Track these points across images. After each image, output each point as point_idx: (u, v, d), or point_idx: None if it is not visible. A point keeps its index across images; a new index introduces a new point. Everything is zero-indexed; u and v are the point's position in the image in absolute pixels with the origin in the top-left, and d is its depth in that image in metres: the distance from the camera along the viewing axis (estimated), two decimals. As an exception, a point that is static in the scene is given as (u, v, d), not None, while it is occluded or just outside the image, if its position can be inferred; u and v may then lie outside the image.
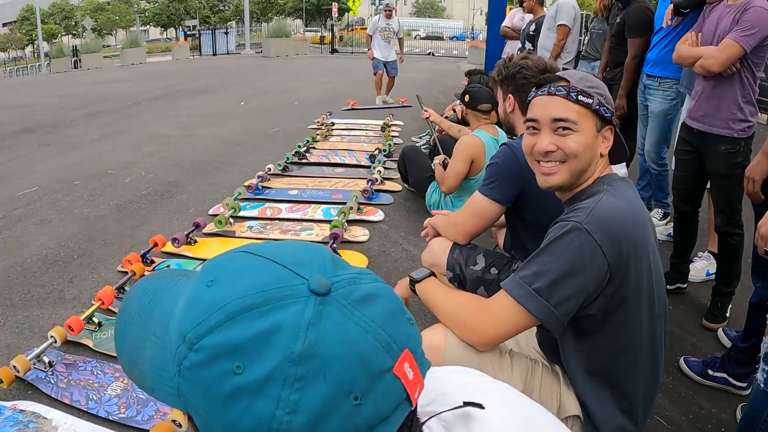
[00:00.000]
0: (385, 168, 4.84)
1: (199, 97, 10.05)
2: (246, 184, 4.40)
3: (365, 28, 30.76)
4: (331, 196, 4.27)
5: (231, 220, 3.71)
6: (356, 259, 3.27)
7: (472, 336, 1.37)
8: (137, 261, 3.03)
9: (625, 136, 4.13)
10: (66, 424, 1.94)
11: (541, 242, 1.30)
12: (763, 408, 1.67)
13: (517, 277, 1.29)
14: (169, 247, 3.31)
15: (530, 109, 1.41)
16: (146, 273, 2.92)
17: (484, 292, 1.90)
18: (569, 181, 1.39)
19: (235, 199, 3.93)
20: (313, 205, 4.08)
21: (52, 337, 2.29)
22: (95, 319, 2.49)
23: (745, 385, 2.31)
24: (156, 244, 3.24)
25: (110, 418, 1.98)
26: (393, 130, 6.63)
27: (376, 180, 4.47)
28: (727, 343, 2.59)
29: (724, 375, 2.33)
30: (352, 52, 24.91)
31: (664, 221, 3.81)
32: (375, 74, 8.96)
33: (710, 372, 2.36)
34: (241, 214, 3.89)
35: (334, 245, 3.26)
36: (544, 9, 5.74)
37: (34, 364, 2.20)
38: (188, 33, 35.57)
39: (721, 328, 2.70)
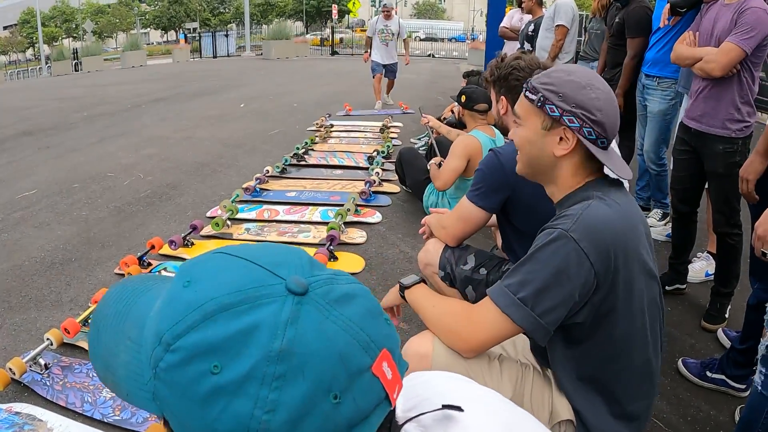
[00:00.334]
0: (383, 170, 4.84)
1: (198, 100, 10.06)
2: (244, 186, 4.39)
3: (365, 30, 30.89)
4: (329, 198, 4.26)
5: (228, 222, 3.70)
6: (353, 261, 3.27)
7: (457, 343, 1.36)
8: (134, 263, 3.02)
9: (624, 136, 4.18)
10: (61, 426, 1.94)
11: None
12: (760, 410, 1.67)
13: (503, 285, 1.28)
14: (166, 250, 3.31)
15: None
16: (143, 275, 2.92)
17: (473, 292, 1.90)
18: (526, 171, 1.42)
19: (232, 202, 3.93)
20: (310, 207, 4.08)
21: (48, 339, 2.29)
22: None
23: (743, 386, 2.30)
24: (153, 247, 3.24)
25: (105, 421, 1.98)
26: (392, 132, 6.63)
27: (374, 182, 4.47)
28: (727, 344, 2.58)
29: (723, 377, 2.32)
30: (352, 54, 24.92)
31: (663, 222, 3.80)
32: (374, 77, 8.69)
33: (708, 374, 2.35)
34: (239, 216, 3.88)
35: (331, 247, 3.25)
36: (543, 9, 5.74)
37: (30, 367, 2.21)
38: (188, 35, 35.65)
39: (720, 329, 2.69)
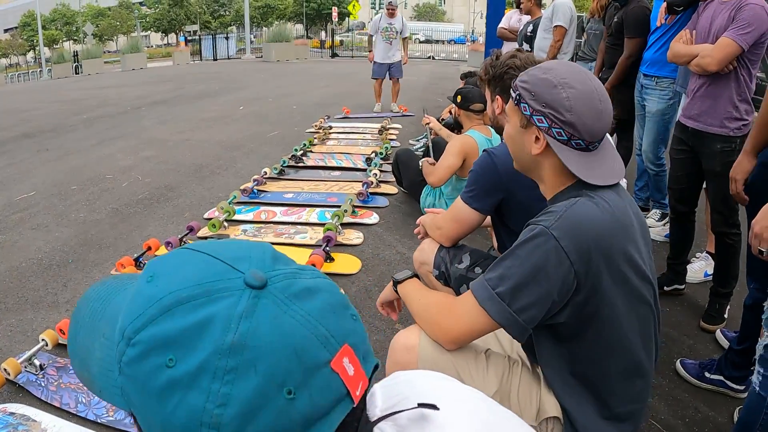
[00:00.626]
0: (381, 171, 4.83)
1: (198, 102, 10.07)
2: (241, 187, 4.39)
3: (363, 32, 30.67)
4: (327, 200, 4.26)
5: (225, 223, 3.70)
6: (350, 262, 3.26)
7: (438, 334, 1.36)
8: (130, 265, 3.02)
9: (623, 137, 4.17)
10: (55, 427, 1.93)
11: None
12: (758, 411, 1.66)
13: (484, 279, 1.27)
14: (163, 251, 3.30)
15: None
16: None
17: (467, 291, 1.89)
18: (517, 167, 1.44)
19: (230, 203, 3.93)
20: (308, 209, 4.08)
21: (43, 340, 2.29)
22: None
23: (742, 387, 2.28)
24: (150, 248, 3.24)
25: (99, 421, 1.98)
26: (390, 134, 6.63)
27: (372, 183, 4.46)
28: (726, 345, 2.57)
29: (721, 378, 2.30)
30: (352, 57, 24.94)
31: (662, 222, 3.78)
32: (374, 80, 8.52)
33: (707, 374, 2.33)
34: (236, 217, 3.88)
35: (327, 248, 3.25)
36: (541, 10, 5.74)
37: (25, 367, 2.21)
38: (189, 38, 35.71)
39: (719, 330, 2.67)
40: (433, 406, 0.60)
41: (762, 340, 1.65)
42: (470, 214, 1.87)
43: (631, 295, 1.26)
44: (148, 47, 43.18)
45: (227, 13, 53.00)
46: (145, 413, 0.49)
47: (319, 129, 6.73)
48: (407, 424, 0.61)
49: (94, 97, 11.32)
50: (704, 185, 2.83)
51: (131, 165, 5.55)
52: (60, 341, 2.35)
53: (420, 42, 41.06)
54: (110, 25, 51.54)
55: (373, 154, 5.34)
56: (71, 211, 4.26)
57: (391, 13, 8.40)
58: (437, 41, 38.76)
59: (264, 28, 45.95)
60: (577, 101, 1.24)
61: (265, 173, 4.78)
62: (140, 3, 56.83)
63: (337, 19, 39.26)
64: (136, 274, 0.70)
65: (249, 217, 3.94)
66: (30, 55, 51.69)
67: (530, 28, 5.70)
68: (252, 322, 0.47)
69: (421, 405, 0.60)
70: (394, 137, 6.51)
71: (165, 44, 57.00)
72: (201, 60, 26.10)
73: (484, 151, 1.89)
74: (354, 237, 3.60)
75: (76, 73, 21.43)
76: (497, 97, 1.99)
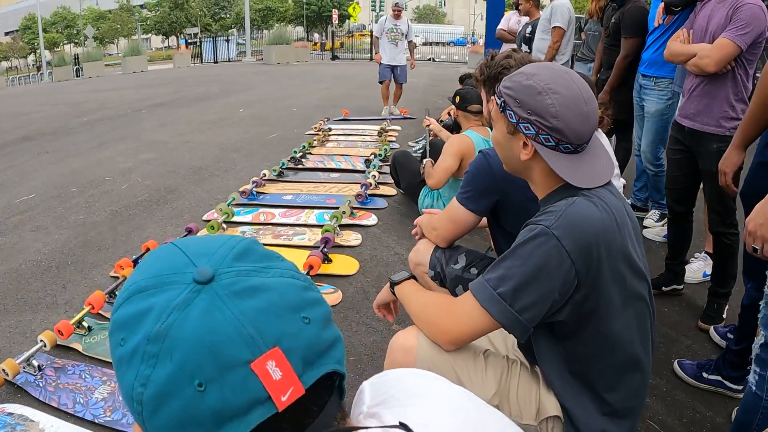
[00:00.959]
0: (380, 173, 4.84)
1: (198, 105, 10.08)
2: (240, 189, 4.40)
3: (364, 35, 30.57)
4: (325, 201, 4.27)
5: (224, 225, 3.70)
6: (347, 263, 3.27)
7: (437, 335, 1.35)
8: (129, 266, 3.03)
9: (621, 137, 4.17)
10: (53, 427, 1.94)
11: None
12: (755, 410, 1.65)
13: (484, 279, 1.26)
14: (162, 252, 3.30)
15: None
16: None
17: (463, 291, 1.89)
18: (508, 170, 1.44)
19: (228, 205, 3.93)
20: (306, 210, 4.08)
21: (41, 341, 2.30)
22: (85, 324, 2.50)
23: (740, 388, 2.27)
24: (148, 249, 3.24)
25: (96, 422, 1.98)
26: (390, 135, 6.63)
27: (371, 185, 4.47)
28: (719, 341, 2.57)
29: (719, 378, 2.30)
30: (352, 59, 24.96)
31: (661, 222, 3.78)
32: (381, 83, 8.31)
33: (705, 375, 2.33)
34: (235, 219, 3.89)
35: (325, 249, 3.25)
36: (540, 12, 5.74)
37: (24, 368, 2.22)
38: (189, 41, 35.75)
39: (712, 327, 2.67)
40: (409, 429, 0.60)
41: (758, 340, 1.65)
42: (465, 215, 1.86)
43: (627, 292, 1.27)
44: (155, 50, 43.24)
45: (228, 15, 53.03)
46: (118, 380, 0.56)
47: (318, 131, 6.74)
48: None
49: (95, 99, 11.34)
50: (701, 185, 2.83)
51: (131, 167, 5.56)
52: (58, 342, 2.36)
53: (422, 44, 41.03)
54: (111, 28, 51.57)
55: (372, 156, 5.35)
56: (71, 214, 4.27)
57: (397, 15, 8.26)
58: (437, 43, 38.69)
59: (264, 30, 46.03)
60: (563, 107, 1.23)
61: (264, 175, 4.79)
62: (141, 6, 56.89)
63: (337, 22, 39.29)
64: None
65: (248, 218, 3.95)
66: (31, 58, 51.76)
67: (529, 29, 5.70)
68: (181, 315, 0.50)
69: (402, 424, 0.60)
70: (393, 139, 6.52)
71: (165, 47, 57.07)
72: (201, 63, 26.13)
73: (479, 152, 1.89)
74: (352, 238, 3.60)
75: (77, 76, 21.49)
76: (492, 97, 1.99)
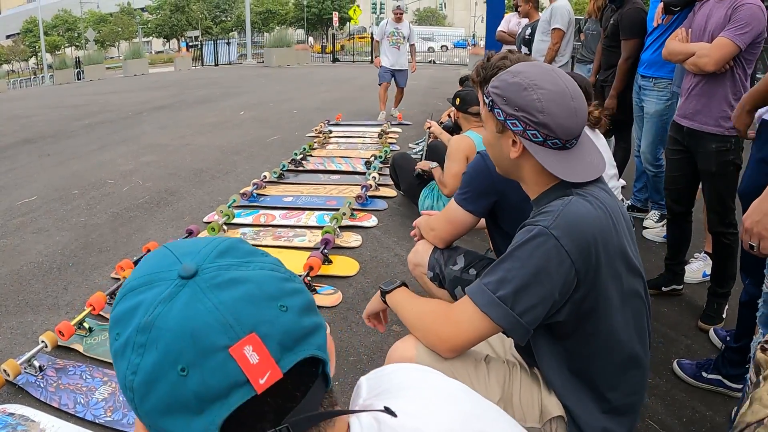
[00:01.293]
0: (380, 174, 4.85)
1: (199, 107, 10.09)
2: (241, 191, 4.41)
3: (363, 38, 30.57)
4: (326, 203, 4.28)
5: (224, 227, 3.71)
6: (348, 264, 3.27)
7: (436, 343, 1.33)
8: (130, 267, 3.04)
9: (620, 137, 4.18)
10: (54, 427, 1.95)
11: None
12: (753, 409, 1.65)
13: (482, 283, 1.25)
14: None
15: None
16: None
17: (462, 293, 1.89)
18: (499, 171, 1.44)
19: (229, 207, 3.94)
20: (306, 212, 4.09)
21: (42, 341, 2.31)
22: (86, 325, 2.50)
23: (740, 386, 2.27)
24: (149, 251, 3.24)
25: (97, 422, 1.99)
26: (390, 137, 6.64)
27: (371, 186, 4.48)
28: (719, 343, 2.57)
29: (719, 377, 2.30)
30: (353, 61, 24.98)
31: (661, 223, 3.78)
32: (380, 85, 8.17)
33: (704, 374, 2.33)
34: (235, 221, 3.90)
35: (325, 250, 3.26)
36: (539, 13, 5.75)
37: (25, 369, 2.22)
38: (190, 44, 35.77)
39: (712, 329, 2.67)
40: (392, 414, 0.63)
41: (756, 338, 1.66)
42: (464, 216, 1.86)
43: (624, 290, 1.27)
44: (156, 53, 43.26)
45: (228, 18, 53.13)
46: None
47: (319, 133, 6.75)
48: (383, 419, 0.63)
49: (96, 102, 11.35)
50: (701, 185, 2.83)
51: (132, 170, 5.57)
52: (59, 343, 2.37)
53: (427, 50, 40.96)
54: (112, 31, 51.68)
55: (373, 158, 5.36)
56: (72, 216, 4.28)
57: (398, 18, 8.15)
58: (439, 47, 38.67)
59: (265, 33, 46.09)
60: (549, 102, 1.24)
61: (265, 177, 4.80)
62: (142, 9, 56.99)
63: (338, 24, 39.30)
64: None
65: (248, 220, 3.96)
66: (32, 61, 51.86)
67: (528, 31, 5.71)
68: (166, 307, 0.54)
69: (386, 408, 0.63)
70: (393, 141, 6.53)
71: (167, 50, 57.15)
72: (202, 65, 26.15)
73: (477, 153, 1.89)
74: (352, 240, 3.61)
75: (78, 79, 21.52)
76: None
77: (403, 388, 0.72)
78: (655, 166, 3.70)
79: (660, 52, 3.34)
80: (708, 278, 2.95)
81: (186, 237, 3.47)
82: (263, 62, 23.07)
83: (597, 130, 2.45)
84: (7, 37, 58.25)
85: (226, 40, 29.89)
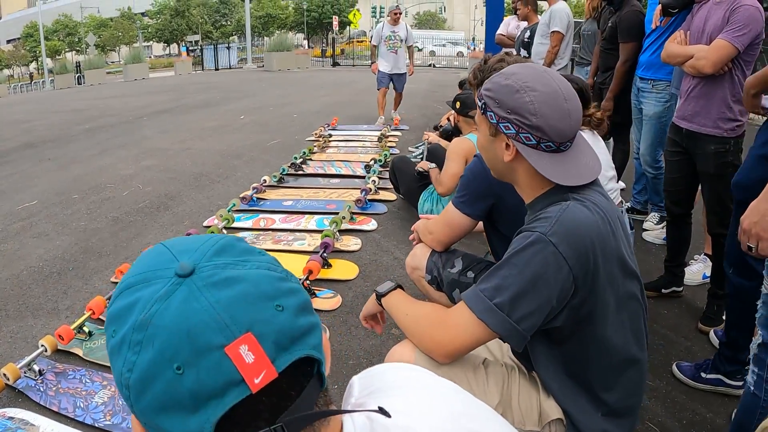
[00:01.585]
0: (380, 178, 4.85)
1: (199, 112, 10.10)
2: (241, 195, 4.41)
3: (361, 41, 30.52)
4: (325, 207, 4.28)
5: (224, 231, 3.71)
6: (347, 268, 3.27)
7: (432, 348, 1.32)
8: (130, 271, 3.03)
9: (618, 139, 4.18)
10: (53, 431, 1.95)
11: None
12: (753, 411, 1.65)
13: (478, 290, 1.24)
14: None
15: None
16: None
17: (459, 295, 1.89)
18: (495, 175, 1.43)
19: (229, 211, 3.95)
20: (306, 216, 4.09)
21: (42, 345, 2.31)
22: (86, 329, 2.50)
23: (740, 384, 2.27)
24: (149, 255, 3.25)
25: (96, 425, 1.99)
26: (390, 141, 6.65)
27: (371, 190, 4.48)
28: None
29: (718, 376, 2.30)
30: (353, 65, 25.02)
31: (661, 225, 3.78)
32: (378, 89, 8.00)
33: (703, 375, 2.33)
34: (235, 225, 3.90)
35: (325, 254, 3.26)
36: (538, 16, 5.76)
37: (25, 373, 2.22)
38: (190, 48, 35.85)
39: (712, 330, 2.67)
40: (386, 414, 0.63)
41: (756, 340, 1.65)
42: (461, 219, 1.86)
43: (621, 293, 1.26)
44: (156, 57, 43.32)
45: (228, 23, 53.24)
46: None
47: (318, 137, 6.76)
48: (375, 418, 0.64)
49: (96, 107, 11.37)
50: (700, 187, 2.84)
51: (132, 174, 5.58)
52: (59, 347, 2.37)
53: (419, 50, 40.95)
54: (112, 36, 51.79)
55: (372, 162, 5.36)
56: (72, 220, 4.29)
57: (395, 20, 7.90)
58: (439, 49, 38.72)
59: (265, 37, 46.17)
60: (542, 104, 1.22)
61: (265, 181, 4.80)
62: (142, 13, 57.12)
63: (338, 28, 39.39)
64: None
65: (248, 224, 3.96)
66: (33, 65, 51.95)
67: (527, 34, 5.72)
68: (163, 305, 0.54)
69: (380, 409, 0.63)
70: (393, 145, 6.53)
71: (167, 54, 57.28)
72: (203, 70, 26.19)
73: (475, 156, 1.89)
74: (352, 243, 3.61)
75: (79, 84, 21.55)
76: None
77: (395, 387, 0.72)
78: (655, 168, 3.70)
79: (658, 54, 3.35)
80: (708, 280, 2.95)
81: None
82: (263, 66, 23.11)
83: (596, 133, 2.45)
84: (8, 41, 58.40)
85: (227, 45, 29.96)
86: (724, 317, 2.71)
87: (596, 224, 1.21)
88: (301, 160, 5.58)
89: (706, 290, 2.82)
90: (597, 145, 2.32)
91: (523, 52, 5.65)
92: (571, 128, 1.26)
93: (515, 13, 6.28)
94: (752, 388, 1.64)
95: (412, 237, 2.12)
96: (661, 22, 3.37)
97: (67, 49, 52.26)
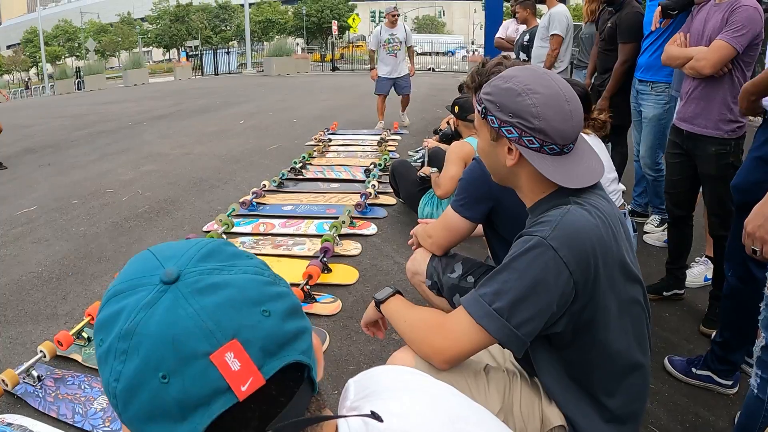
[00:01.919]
0: (379, 182, 4.84)
1: (199, 117, 10.11)
2: (241, 200, 4.40)
3: (359, 46, 30.49)
4: (325, 211, 4.27)
5: (224, 236, 3.71)
6: (347, 273, 3.26)
7: (431, 354, 1.30)
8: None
9: (617, 142, 4.18)
10: (52, 437, 1.94)
11: None
12: (757, 414, 1.64)
13: (477, 294, 1.22)
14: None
15: None
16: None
17: (460, 300, 1.88)
18: (495, 180, 1.41)
19: (228, 216, 3.94)
20: (306, 221, 4.08)
21: (41, 351, 2.30)
22: (84, 334, 2.49)
23: (730, 383, 2.28)
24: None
25: (95, 431, 1.97)
26: (389, 145, 6.64)
27: (370, 194, 4.47)
28: None
29: (708, 373, 2.30)
30: (352, 70, 25.05)
31: (662, 228, 3.77)
32: (377, 95, 7.85)
33: (694, 370, 2.33)
34: (235, 230, 3.89)
35: (324, 259, 3.25)
36: (537, 19, 5.76)
37: (23, 379, 2.22)
38: (190, 53, 35.92)
39: (715, 332, 2.66)
40: (379, 419, 0.62)
41: (759, 342, 1.64)
42: (461, 222, 1.85)
43: (623, 298, 1.25)
44: (156, 62, 43.37)
45: (228, 28, 53.37)
46: None
47: (318, 142, 6.75)
48: (371, 422, 0.63)
49: (96, 112, 11.38)
50: (701, 189, 2.83)
51: (132, 179, 5.57)
52: (58, 353, 2.36)
53: (418, 54, 41.03)
54: (112, 41, 51.94)
55: (372, 166, 5.35)
56: (72, 225, 4.28)
57: (393, 22, 7.67)
58: (437, 53, 38.79)
59: (265, 42, 46.26)
60: (544, 106, 1.21)
61: (264, 186, 4.80)
62: (142, 19, 57.27)
63: (337, 33, 39.47)
64: None
65: (247, 229, 3.95)
66: (33, 71, 52.08)
67: (526, 37, 5.72)
68: (147, 313, 0.53)
69: (373, 413, 0.62)
70: (393, 149, 6.52)
71: (166, 60, 57.36)
72: (202, 75, 26.24)
73: (473, 159, 1.88)
74: (352, 248, 3.60)
75: (79, 89, 21.60)
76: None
77: (391, 389, 0.72)
78: (655, 170, 3.70)
79: (657, 56, 3.36)
80: (709, 282, 2.94)
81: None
82: (263, 71, 23.15)
83: (595, 135, 2.45)
84: (8, 47, 58.51)
85: (226, 50, 30.02)
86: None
87: (597, 228, 1.19)
88: (301, 164, 5.57)
89: (708, 292, 2.81)
90: (598, 148, 2.32)
91: (523, 56, 5.65)
92: (574, 130, 1.25)
93: (514, 17, 6.28)
94: (756, 391, 1.63)
95: (411, 242, 2.10)
96: (660, 23, 3.37)
97: (66, 55, 52.43)
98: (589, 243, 1.17)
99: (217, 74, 25.65)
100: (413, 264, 1.99)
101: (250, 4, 36.58)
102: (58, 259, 3.63)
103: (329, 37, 40.18)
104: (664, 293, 2.99)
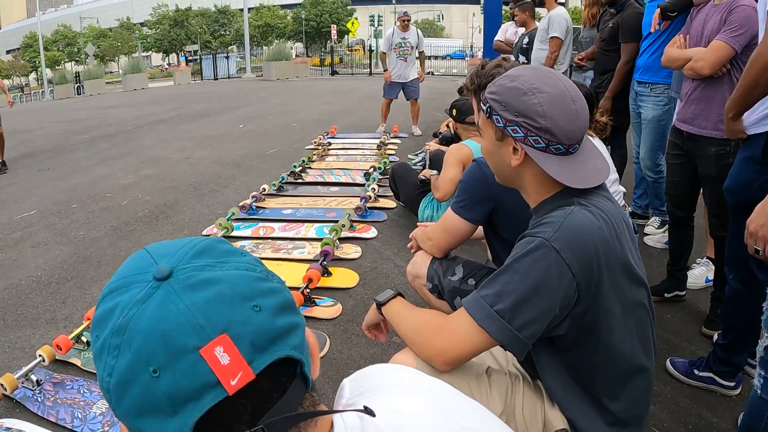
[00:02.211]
0: (379, 186, 4.84)
1: (199, 121, 10.11)
2: (240, 204, 4.40)
3: (356, 50, 30.41)
4: (325, 215, 4.26)
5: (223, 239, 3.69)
6: (347, 276, 3.25)
7: (432, 356, 1.28)
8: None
9: (616, 143, 4.18)
10: (51, 442, 1.93)
11: None
12: (761, 415, 1.64)
13: (479, 296, 1.21)
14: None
15: None
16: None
17: (461, 303, 1.87)
18: (499, 181, 1.40)
19: (228, 220, 3.93)
20: (306, 224, 4.08)
21: (40, 356, 2.29)
22: (84, 338, 2.48)
23: (733, 384, 2.28)
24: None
25: (94, 437, 1.96)
26: (389, 149, 6.64)
27: (370, 197, 4.47)
28: None
29: (711, 374, 2.30)
30: (352, 74, 25.08)
31: (662, 229, 3.77)
32: (384, 97, 7.77)
33: (696, 372, 2.33)
34: (234, 233, 3.89)
35: (325, 262, 3.24)
36: (536, 22, 5.77)
37: (22, 383, 2.21)
38: (189, 58, 35.99)
39: (716, 334, 2.65)
40: (371, 413, 0.62)
41: (762, 342, 1.64)
42: (461, 224, 1.84)
43: (628, 301, 1.23)
44: (155, 67, 43.47)
45: (227, 32, 53.47)
46: None
47: (318, 145, 6.75)
48: (366, 417, 0.63)
49: (96, 117, 11.40)
50: (702, 190, 2.83)
51: (131, 183, 5.57)
52: (57, 357, 2.35)
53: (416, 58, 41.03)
54: (111, 46, 52.04)
55: (372, 169, 5.35)
56: (71, 230, 4.27)
57: (405, 26, 7.58)
58: (436, 57, 38.89)
59: (264, 47, 46.36)
60: (550, 105, 1.20)
61: (264, 190, 4.79)
62: (141, 24, 57.40)
63: (336, 37, 39.55)
64: None
65: (247, 233, 3.95)
66: (32, 76, 52.17)
67: (526, 40, 5.73)
68: (140, 309, 0.54)
69: (366, 408, 0.63)
70: (392, 152, 6.52)
71: (159, 66, 57.48)
72: (202, 79, 26.27)
73: (473, 161, 1.88)
74: (352, 251, 3.60)
75: (78, 94, 21.60)
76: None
77: (386, 386, 0.72)
78: (655, 171, 3.69)
79: (655, 57, 3.37)
80: (711, 283, 2.94)
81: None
82: (262, 76, 23.17)
83: (596, 137, 2.45)
84: (8, 52, 58.62)
85: (225, 54, 30.06)
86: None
87: (600, 230, 1.18)
88: (301, 168, 5.57)
89: (709, 294, 2.81)
90: (600, 149, 2.32)
91: (522, 58, 5.66)
92: (580, 129, 1.24)
93: (513, 20, 6.29)
94: (759, 392, 1.62)
95: (410, 245, 2.09)
96: (660, 25, 3.37)
97: (66, 60, 52.53)
98: (592, 245, 1.16)
99: (216, 79, 25.67)
100: (414, 267, 1.98)
101: (249, 9, 36.65)
102: (58, 264, 3.63)
103: (328, 42, 40.25)
104: (666, 295, 2.98)
